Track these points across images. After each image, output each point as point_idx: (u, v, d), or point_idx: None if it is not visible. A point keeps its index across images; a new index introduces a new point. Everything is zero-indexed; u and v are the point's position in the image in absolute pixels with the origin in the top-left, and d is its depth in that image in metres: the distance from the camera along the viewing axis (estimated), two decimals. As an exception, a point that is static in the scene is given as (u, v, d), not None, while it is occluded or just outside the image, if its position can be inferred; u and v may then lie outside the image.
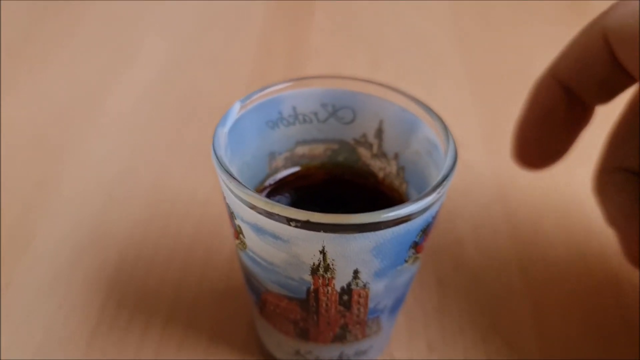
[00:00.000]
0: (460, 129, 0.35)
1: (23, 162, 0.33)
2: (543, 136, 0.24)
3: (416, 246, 0.18)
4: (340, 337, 0.21)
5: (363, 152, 0.23)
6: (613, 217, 0.23)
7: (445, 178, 0.18)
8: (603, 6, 0.21)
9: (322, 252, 0.17)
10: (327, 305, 0.19)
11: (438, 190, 0.17)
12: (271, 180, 0.23)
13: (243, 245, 0.19)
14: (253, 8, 0.49)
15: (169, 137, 0.35)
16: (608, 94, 0.23)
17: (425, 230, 0.18)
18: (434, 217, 0.18)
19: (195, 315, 0.25)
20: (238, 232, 0.19)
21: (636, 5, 0.21)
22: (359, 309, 0.20)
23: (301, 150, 0.23)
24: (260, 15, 0.48)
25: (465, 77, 0.41)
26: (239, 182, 0.17)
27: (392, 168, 0.23)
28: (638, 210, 0.23)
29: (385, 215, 0.16)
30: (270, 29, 0.46)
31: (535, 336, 0.25)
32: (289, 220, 0.16)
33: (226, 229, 0.29)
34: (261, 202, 0.16)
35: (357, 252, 0.17)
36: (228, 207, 0.18)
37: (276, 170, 0.23)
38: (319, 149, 0.23)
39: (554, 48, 0.43)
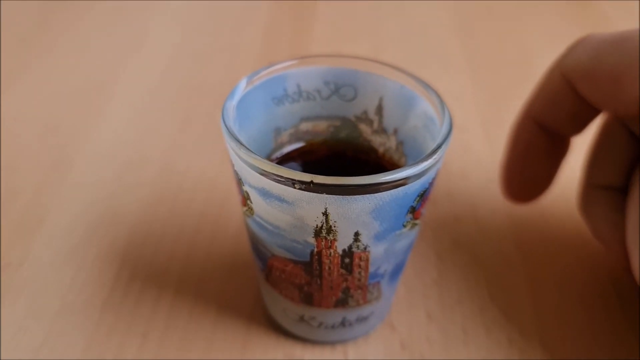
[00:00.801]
0: (459, 114, 0.36)
1: (36, 146, 0.34)
2: (528, 171, 0.26)
3: (414, 211, 0.19)
4: (343, 302, 0.22)
5: (364, 128, 0.24)
6: (599, 232, 0.25)
7: (440, 145, 0.19)
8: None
9: (325, 213, 0.18)
10: (329, 268, 0.20)
11: (434, 156, 0.18)
12: (277, 155, 0.24)
13: (250, 211, 0.20)
14: (258, 1, 0.50)
15: (177, 121, 0.36)
16: (579, 126, 0.25)
17: (422, 196, 0.19)
18: (430, 184, 0.19)
19: (203, 287, 0.27)
20: (246, 199, 0.20)
21: (587, 45, 0.23)
22: (360, 273, 0.21)
23: (305, 126, 0.24)
24: (265, 6, 0.49)
25: (465, 64, 0.42)
26: (247, 148, 0.18)
27: (392, 143, 0.24)
28: (621, 224, 0.24)
29: (384, 178, 0.17)
30: (274, 19, 0.47)
31: (530, 307, 0.26)
32: (293, 183, 0.17)
33: (231, 208, 0.30)
34: (268, 165, 0.17)
35: (357, 214, 0.18)
36: (236, 174, 0.20)
37: (281, 146, 0.24)
38: (322, 126, 0.24)
39: (551, 37, 0.45)
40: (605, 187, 0.25)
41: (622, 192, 0.25)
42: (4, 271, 0.27)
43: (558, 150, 0.26)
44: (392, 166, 0.24)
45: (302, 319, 0.23)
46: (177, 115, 0.37)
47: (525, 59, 0.43)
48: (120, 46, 0.44)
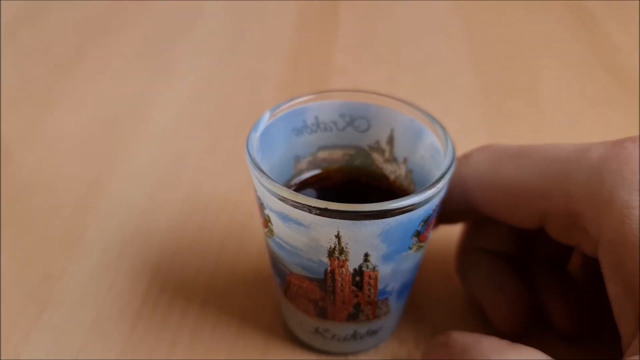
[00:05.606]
0: (471, 142, 0.38)
1: (76, 166, 0.37)
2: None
3: (419, 235, 0.21)
4: (354, 316, 0.24)
5: (376, 157, 0.26)
6: (474, 290, 0.27)
7: (443, 175, 0.21)
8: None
9: (337, 236, 0.20)
10: (342, 285, 0.22)
11: (437, 185, 0.20)
12: (296, 181, 0.26)
13: (271, 232, 0.22)
14: (281, 31, 0.53)
15: (205, 144, 0.39)
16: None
17: (426, 221, 0.21)
18: (434, 210, 0.21)
19: (227, 301, 0.29)
20: (267, 221, 0.22)
21: (486, 156, 0.24)
22: (369, 290, 0.23)
23: (322, 154, 0.26)
24: (288, 37, 0.52)
25: (477, 94, 0.44)
26: (269, 176, 0.20)
27: (402, 171, 0.26)
28: (499, 288, 0.26)
29: (390, 205, 0.19)
30: (296, 49, 0.50)
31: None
32: (310, 209, 0.19)
33: (253, 229, 0.32)
34: (287, 193, 0.20)
35: (367, 237, 0.20)
36: (259, 199, 0.22)
37: (300, 172, 0.26)
38: (337, 154, 0.27)
39: (562, 68, 0.46)
40: (481, 249, 0.27)
41: (503, 257, 0.27)
42: (46, 282, 0.29)
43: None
44: (402, 192, 0.26)
45: (316, 331, 0.25)
46: (205, 140, 0.40)
47: (535, 89, 0.45)
48: (151, 75, 0.47)
